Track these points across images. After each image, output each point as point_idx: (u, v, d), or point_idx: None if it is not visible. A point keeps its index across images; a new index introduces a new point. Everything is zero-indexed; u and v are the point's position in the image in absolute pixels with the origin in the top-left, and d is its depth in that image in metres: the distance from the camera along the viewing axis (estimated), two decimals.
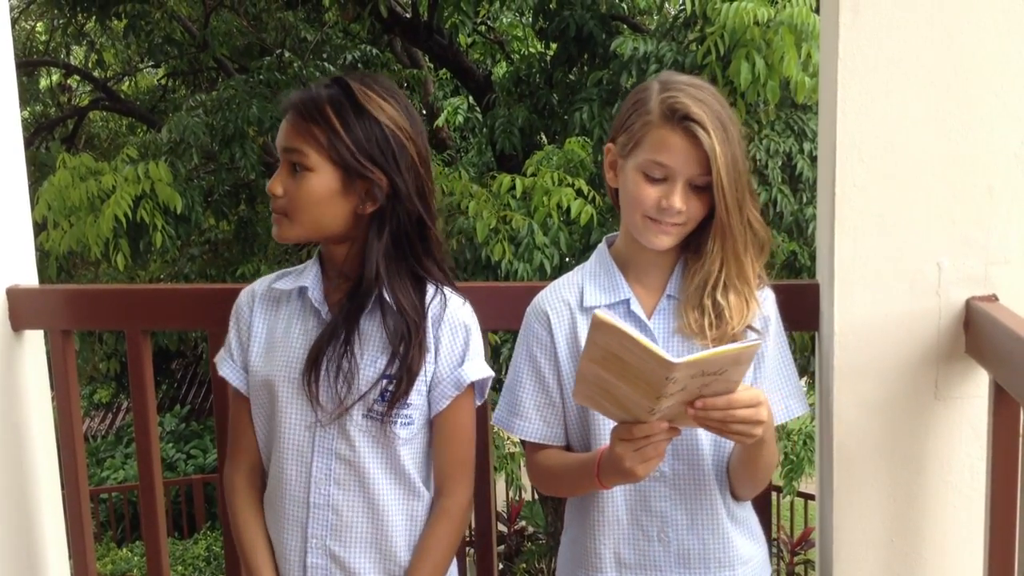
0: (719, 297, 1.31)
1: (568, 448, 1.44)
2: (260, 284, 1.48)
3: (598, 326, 1.11)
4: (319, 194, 1.32)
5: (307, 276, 1.41)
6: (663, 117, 1.28)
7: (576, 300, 1.40)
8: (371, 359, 1.34)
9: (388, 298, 1.35)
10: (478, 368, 1.40)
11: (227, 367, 1.45)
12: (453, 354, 1.39)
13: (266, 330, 1.43)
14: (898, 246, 1.44)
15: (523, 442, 1.48)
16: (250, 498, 1.45)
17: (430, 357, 1.37)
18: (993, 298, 1.42)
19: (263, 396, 1.41)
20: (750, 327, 1.33)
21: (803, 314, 1.52)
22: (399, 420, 1.36)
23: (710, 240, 1.32)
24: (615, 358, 1.12)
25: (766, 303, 1.38)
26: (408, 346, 1.33)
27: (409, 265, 1.37)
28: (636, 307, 1.37)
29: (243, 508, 1.45)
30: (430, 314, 1.37)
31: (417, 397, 1.36)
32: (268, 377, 1.39)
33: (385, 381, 1.34)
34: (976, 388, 1.43)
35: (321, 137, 1.30)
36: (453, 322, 1.39)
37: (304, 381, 1.34)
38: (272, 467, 1.42)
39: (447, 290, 1.40)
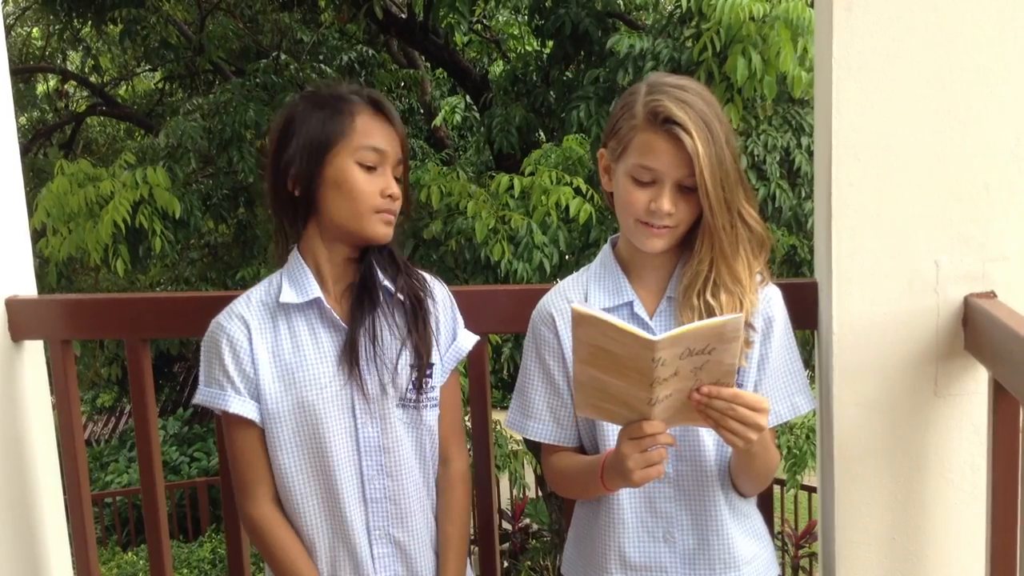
0: (709, 297, 1.31)
1: (581, 450, 1.45)
2: (243, 307, 1.40)
3: (578, 320, 1.13)
4: None
5: (309, 285, 1.38)
6: (647, 121, 1.29)
7: (580, 301, 1.40)
8: (392, 348, 1.39)
9: (392, 286, 1.40)
10: (470, 337, 1.50)
11: (237, 403, 1.37)
12: (448, 329, 1.46)
13: (271, 353, 1.38)
14: (895, 244, 1.43)
15: (534, 444, 1.49)
16: (285, 523, 1.40)
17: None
18: (991, 295, 1.42)
19: (297, 419, 1.37)
20: (748, 325, 1.33)
21: (802, 313, 1.52)
22: (429, 404, 1.42)
23: (698, 241, 1.32)
24: (602, 352, 1.13)
25: (771, 303, 1.37)
26: (425, 328, 1.41)
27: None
28: (639, 309, 1.37)
29: (280, 532, 1.40)
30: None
31: (438, 377, 1.43)
32: (301, 398, 1.37)
33: (410, 368, 1.40)
34: (976, 385, 1.43)
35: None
36: (442, 298, 1.46)
37: (352, 384, 1.37)
38: (321, 484, 1.39)
39: (410, 267, 1.46)
